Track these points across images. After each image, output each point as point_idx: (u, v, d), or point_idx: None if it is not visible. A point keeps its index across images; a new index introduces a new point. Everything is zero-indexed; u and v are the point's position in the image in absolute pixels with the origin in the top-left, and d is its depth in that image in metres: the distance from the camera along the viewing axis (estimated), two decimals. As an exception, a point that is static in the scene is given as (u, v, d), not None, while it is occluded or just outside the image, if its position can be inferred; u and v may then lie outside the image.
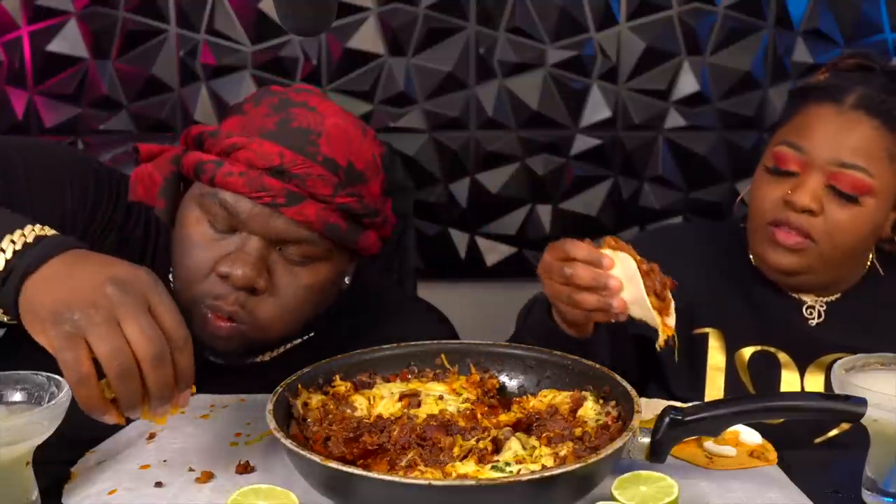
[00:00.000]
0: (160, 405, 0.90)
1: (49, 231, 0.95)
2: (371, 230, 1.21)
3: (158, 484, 1.00)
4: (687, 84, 2.17)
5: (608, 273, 1.11)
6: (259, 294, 1.14)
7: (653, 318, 1.10)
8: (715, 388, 1.43)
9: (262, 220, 1.12)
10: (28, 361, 0.99)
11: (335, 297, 1.26)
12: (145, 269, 0.92)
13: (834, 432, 1.41)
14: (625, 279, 1.11)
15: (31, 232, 0.94)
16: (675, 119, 2.19)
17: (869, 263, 1.45)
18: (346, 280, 1.27)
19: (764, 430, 1.15)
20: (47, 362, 0.97)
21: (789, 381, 1.42)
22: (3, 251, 0.92)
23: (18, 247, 0.92)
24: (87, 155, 1.34)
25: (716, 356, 1.44)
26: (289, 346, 1.30)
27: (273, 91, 1.20)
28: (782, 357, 1.43)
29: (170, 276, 1.23)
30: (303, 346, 1.30)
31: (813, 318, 1.44)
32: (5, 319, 0.96)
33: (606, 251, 1.13)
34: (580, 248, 1.13)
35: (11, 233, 0.93)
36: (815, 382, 1.41)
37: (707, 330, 1.45)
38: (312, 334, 1.31)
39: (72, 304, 0.86)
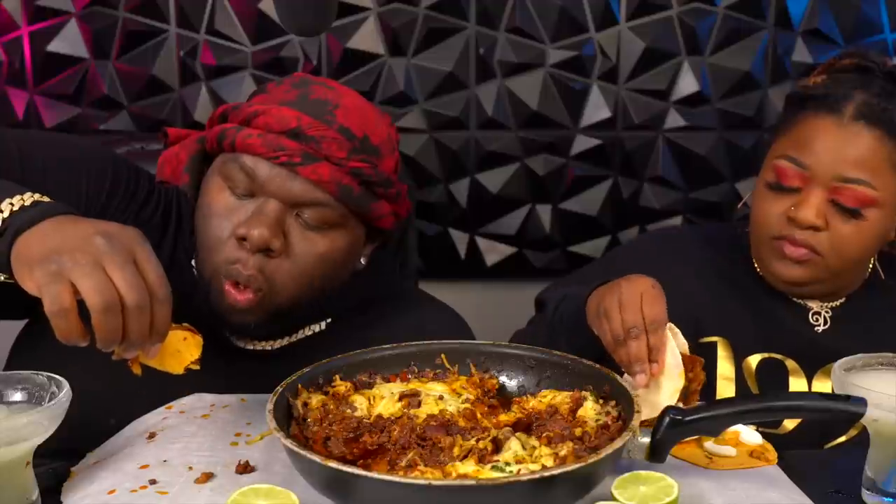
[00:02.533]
0: (131, 350, 0.94)
1: (47, 199, 0.99)
2: (384, 200, 1.24)
3: (158, 483, 1.00)
4: (687, 84, 2.16)
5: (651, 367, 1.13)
6: (275, 257, 1.16)
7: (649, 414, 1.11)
8: (725, 397, 1.42)
9: (280, 182, 1.16)
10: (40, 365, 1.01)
11: (349, 273, 1.28)
12: (135, 228, 0.96)
13: (841, 439, 1.41)
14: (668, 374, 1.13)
15: (31, 197, 0.98)
16: (675, 119, 2.19)
17: (871, 266, 1.45)
18: (362, 261, 1.30)
19: (769, 439, 1.15)
20: (58, 366, 0.99)
21: (797, 388, 1.41)
22: (2, 211, 0.96)
23: (16, 208, 0.96)
24: (106, 147, 1.38)
25: (724, 365, 1.42)
26: (308, 332, 1.31)
27: (295, 75, 1.27)
28: (790, 364, 1.42)
29: (192, 262, 1.25)
30: (320, 335, 1.32)
31: (819, 325, 1.43)
32: (1, 278, 0.98)
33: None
34: (660, 337, 1.13)
35: (11, 197, 0.97)
36: (822, 389, 1.40)
37: (714, 339, 1.43)
38: (330, 320, 1.33)
39: (60, 250, 0.90)
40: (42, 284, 0.89)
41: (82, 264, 0.89)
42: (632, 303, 1.15)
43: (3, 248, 0.95)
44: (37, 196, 0.98)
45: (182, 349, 1.00)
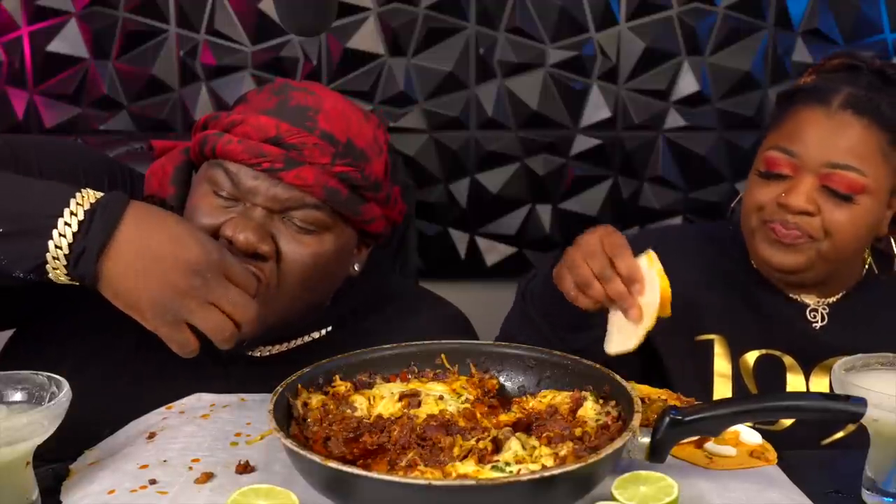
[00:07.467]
0: None
1: (91, 195, 1.01)
2: (374, 204, 1.22)
3: (158, 483, 1.00)
4: (687, 84, 2.17)
5: (634, 297, 1.13)
6: (265, 261, 1.16)
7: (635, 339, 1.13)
8: (722, 395, 1.42)
9: (264, 190, 1.15)
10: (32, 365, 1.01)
11: (342, 279, 1.27)
12: (210, 243, 1.03)
13: (839, 435, 1.41)
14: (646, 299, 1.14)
15: (79, 206, 0.99)
16: (675, 119, 2.19)
17: (867, 265, 1.45)
18: (356, 267, 1.28)
19: (768, 435, 1.15)
20: (56, 367, 0.99)
21: (795, 384, 1.42)
22: (64, 236, 0.98)
23: (75, 228, 0.98)
24: (101, 151, 1.38)
25: (721, 363, 1.43)
26: (307, 339, 1.31)
27: (277, 81, 1.26)
28: (787, 360, 1.42)
29: None
30: (320, 341, 1.31)
31: (816, 322, 1.43)
32: (70, 281, 1.02)
33: (643, 262, 1.14)
34: (626, 259, 1.13)
35: (61, 214, 0.98)
36: (820, 385, 1.41)
37: (712, 336, 1.44)
38: (330, 328, 1.32)
39: (167, 298, 1.00)
40: (166, 335, 1.02)
41: (194, 310, 1.00)
42: (594, 249, 1.15)
43: (88, 273, 0.98)
44: (80, 199, 0.99)
45: None
